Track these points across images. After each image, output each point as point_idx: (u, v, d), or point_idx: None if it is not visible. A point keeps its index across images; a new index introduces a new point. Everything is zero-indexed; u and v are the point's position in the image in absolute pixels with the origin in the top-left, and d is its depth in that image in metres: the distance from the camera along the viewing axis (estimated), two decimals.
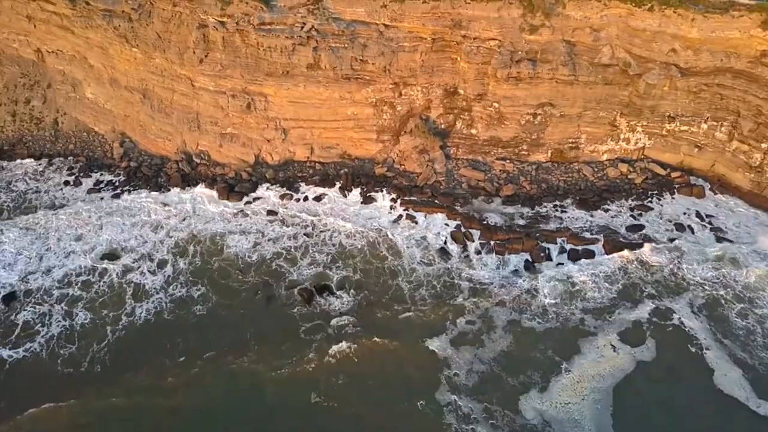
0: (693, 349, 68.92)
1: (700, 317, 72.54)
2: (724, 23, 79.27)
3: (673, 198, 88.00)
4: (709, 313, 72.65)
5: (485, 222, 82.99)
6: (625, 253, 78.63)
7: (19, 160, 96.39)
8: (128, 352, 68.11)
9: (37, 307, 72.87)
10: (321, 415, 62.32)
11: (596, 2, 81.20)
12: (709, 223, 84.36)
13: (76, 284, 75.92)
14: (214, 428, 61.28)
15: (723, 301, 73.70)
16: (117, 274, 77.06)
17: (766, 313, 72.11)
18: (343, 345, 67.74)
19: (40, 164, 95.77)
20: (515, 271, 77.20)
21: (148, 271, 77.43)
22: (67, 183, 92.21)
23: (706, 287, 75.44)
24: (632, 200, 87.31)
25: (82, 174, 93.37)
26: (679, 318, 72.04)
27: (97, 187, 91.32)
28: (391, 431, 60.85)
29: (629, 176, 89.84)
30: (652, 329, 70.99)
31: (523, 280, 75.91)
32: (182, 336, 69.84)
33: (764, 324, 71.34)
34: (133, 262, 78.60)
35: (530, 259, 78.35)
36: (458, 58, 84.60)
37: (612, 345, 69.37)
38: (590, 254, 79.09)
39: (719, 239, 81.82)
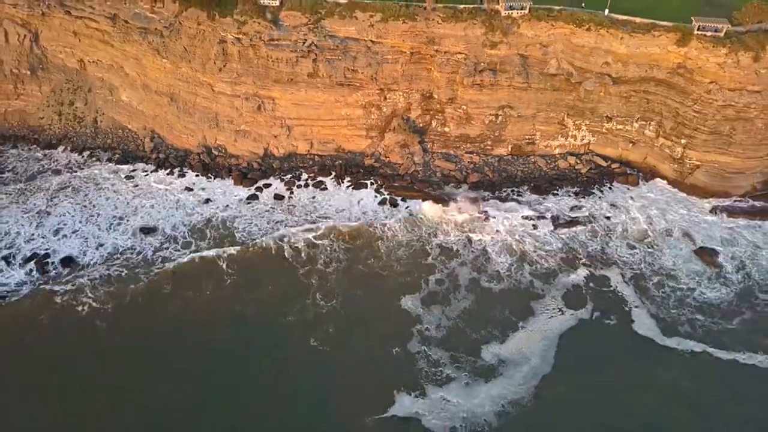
0: (618, 305, 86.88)
1: (627, 283, 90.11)
2: (646, 41, 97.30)
3: (612, 185, 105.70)
4: (635, 280, 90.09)
5: (454, 202, 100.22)
6: (567, 229, 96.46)
7: (63, 152, 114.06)
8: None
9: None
10: (319, 355, 79.84)
11: (545, 23, 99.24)
12: (640, 206, 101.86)
13: (121, 253, 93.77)
14: (238, 351, 79.14)
15: (645, 270, 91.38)
16: (152, 248, 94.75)
17: (677, 284, 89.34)
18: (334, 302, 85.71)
19: (82, 156, 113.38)
20: (481, 244, 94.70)
21: (180, 236, 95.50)
22: (107, 171, 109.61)
23: (633, 262, 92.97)
24: (578, 187, 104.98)
25: (119, 164, 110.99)
26: (611, 284, 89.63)
27: (132, 175, 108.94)
28: (372, 367, 78.12)
29: (576, 167, 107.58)
30: (588, 292, 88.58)
31: (482, 250, 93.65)
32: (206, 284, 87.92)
33: (676, 292, 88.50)
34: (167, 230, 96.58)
35: (488, 234, 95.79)
36: (432, 69, 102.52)
37: (556, 305, 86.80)
38: (539, 231, 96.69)
39: (646, 219, 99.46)
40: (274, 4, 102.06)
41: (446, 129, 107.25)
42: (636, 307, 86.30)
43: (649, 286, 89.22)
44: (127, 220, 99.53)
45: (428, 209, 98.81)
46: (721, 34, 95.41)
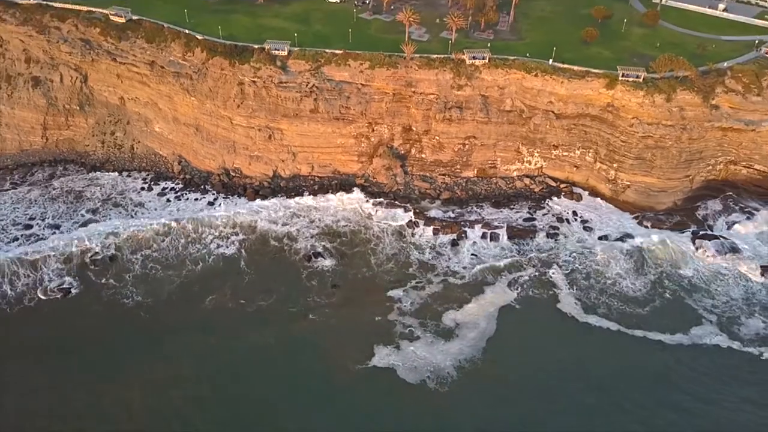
0: (551, 292, 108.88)
1: (564, 278, 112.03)
2: (582, 85, 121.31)
3: (559, 201, 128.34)
4: (568, 273, 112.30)
5: (429, 214, 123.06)
6: (518, 235, 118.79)
7: (105, 173, 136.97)
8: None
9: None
10: (321, 327, 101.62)
11: (501, 70, 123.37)
12: (581, 218, 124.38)
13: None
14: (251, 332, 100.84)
15: (576, 263, 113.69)
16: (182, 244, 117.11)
17: (602, 277, 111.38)
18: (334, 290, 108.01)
19: (121, 176, 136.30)
20: (449, 246, 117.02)
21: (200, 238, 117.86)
22: (142, 188, 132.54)
23: (570, 261, 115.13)
24: (531, 202, 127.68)
25: (152, 183, 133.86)
26: (549, 277, 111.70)
27: (163, 192, 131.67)
28: (359, 329, 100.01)
29: (531, 187, 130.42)
30: (529, 282, 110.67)
31: (448, 254, 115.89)
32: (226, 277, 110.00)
33: (601, 285, 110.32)
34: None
35: (455, 240, 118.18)
36: (411, 106, 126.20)
37: (503, 290, 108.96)
38: (496, 237, 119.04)
39: (586, 229, 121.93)
40: (282, 54, 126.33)
41: (423, 155, 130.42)
42: (564, 292, 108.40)
43: (579, 278, 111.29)
44: (159, 226, 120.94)
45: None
46: (640, 80, 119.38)
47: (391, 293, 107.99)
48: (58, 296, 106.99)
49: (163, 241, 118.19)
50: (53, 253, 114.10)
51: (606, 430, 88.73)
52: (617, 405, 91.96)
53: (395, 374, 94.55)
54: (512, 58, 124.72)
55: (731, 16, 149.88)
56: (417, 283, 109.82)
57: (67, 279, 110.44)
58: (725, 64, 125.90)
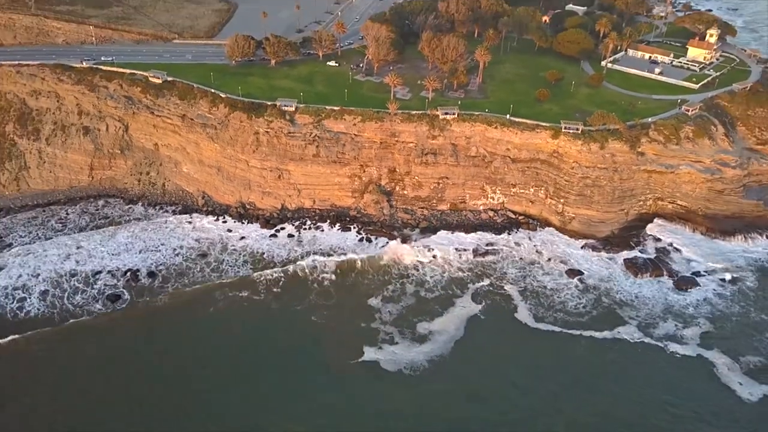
0: (504, 299, 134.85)
1: (518, 291, 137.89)
2: (533, 135, 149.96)
3: (518, 231, 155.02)
4: (518, 287, 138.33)
5: (409, 240, 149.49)
6: (482, 257, 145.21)
7: (141, 206, 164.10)
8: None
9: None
10: (315, 326, 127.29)
11: (468, 123, 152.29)
12: (535, 244, 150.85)
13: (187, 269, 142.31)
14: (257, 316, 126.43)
15: (531, 283, 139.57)
16: (207, 267, 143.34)
17: (550, 293, 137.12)
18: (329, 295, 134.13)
19: (154, 209, 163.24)
20: (426, 264, 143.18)
21: (222, 259, 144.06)
22: (172, 218, 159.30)
23: (524, 278, 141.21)
24: (494, 231, 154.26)
25: (180, 215, 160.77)
26: (506, 291, 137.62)
27: (190, 221, 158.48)
28: (351, 330, 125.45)
29: (494, 218, 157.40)
30: (490, 294, 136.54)
31: (424, 271, 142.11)
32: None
33: (548, 297, 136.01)
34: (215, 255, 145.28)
35: (431, 260, 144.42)
36: (394, 152, 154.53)
37: (469, 305, 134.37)
38: (463, 257, 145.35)
39: (537, 252, 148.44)
40: (291, 110, 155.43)
41: (405, 192, 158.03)
42: (519, 305, 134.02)
43: (531, 293, 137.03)
44: (188, 249, 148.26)
45: (394, 247, 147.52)
46: (579, 132, 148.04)
47: (372, 303, 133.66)
48: (109, 302, 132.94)
49: (192, 259, 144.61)
50: (102, 269, 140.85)
51: (544, 406, 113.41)
52: (555, 388, 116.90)
53: (379, 366, 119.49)
54: (477, 113, 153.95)
55: (664, 79, 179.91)
56: (393, 292, 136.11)
57: (113, 290, 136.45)
58: (650, 119, 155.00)
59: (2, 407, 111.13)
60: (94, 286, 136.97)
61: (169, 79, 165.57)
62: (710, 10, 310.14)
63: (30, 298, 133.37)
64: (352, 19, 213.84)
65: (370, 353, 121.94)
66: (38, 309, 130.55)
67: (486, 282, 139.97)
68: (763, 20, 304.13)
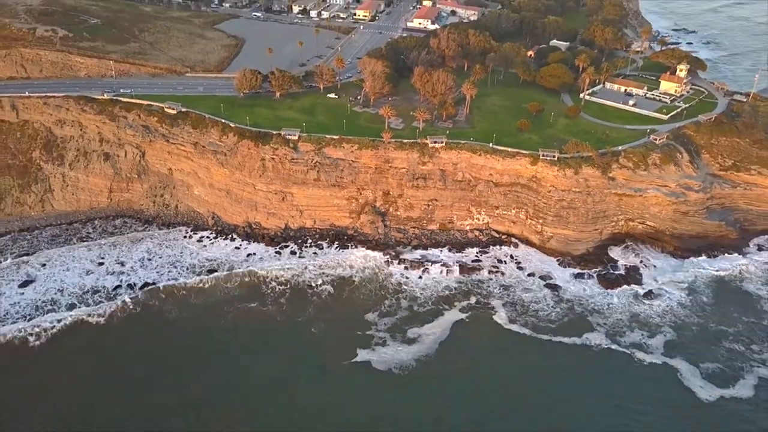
0: (486, 308, 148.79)
1: (500, 302, 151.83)
2: (513, 161, 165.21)
3: (501, 249, 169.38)
4: (499, 297, 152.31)
5: (402, 257, 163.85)
6: (468, 273, 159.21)
7: (155, 226, 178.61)
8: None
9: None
10: (315, 333, 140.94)
11: (455, 151, 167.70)
12: (516, 261, 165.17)
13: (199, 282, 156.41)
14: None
15: (510, 294, 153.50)
16: (217, 279, 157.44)
17: (529, 303, 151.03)
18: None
19: (168, 228, 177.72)
20: (416, 278, 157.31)
21: (230, 274, 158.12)
22: (184, 236, 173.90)
23: (506, 291, 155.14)
24: (479, 249, 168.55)
25: (192, 234, 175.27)
26: (489, 302, 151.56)
27: (200, 240, 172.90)
28: (346, 336, 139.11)
29: (479, 237, 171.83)
30: (474, 305, 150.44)
31: (414, 283, 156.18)
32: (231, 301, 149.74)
33: (527, 307, 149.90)
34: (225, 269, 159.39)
35: (421, 274, 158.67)
36: (388, 177, 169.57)
37: (454, 312, 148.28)
38: (451, 272, 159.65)
39: (519, 268, 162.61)
40: (294, 138, 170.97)
41: (398, 213, 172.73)
42: (499, 312, 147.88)
43: (511, 302, 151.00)
44: (201, 267, 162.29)
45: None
46: (555, 159, 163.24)
47: (368, 318, 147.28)
48: (128, 310, 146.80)
49: (203, 274, 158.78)
50: (120, 283, 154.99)
51: (517, 402, 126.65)
52: (527, 386, 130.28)
53: (371, 366, 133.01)
54: (463, 142, 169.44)
55: (637, 110, 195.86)
56: (385, 302, 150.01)
57: (131, 300, 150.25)
58: (621, 147, 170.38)
59: (33, 407, 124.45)
60: (115, 299, 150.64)
61: (183, 109, 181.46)
62: (690, 43, 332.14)
63: (58, 310, 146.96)
64: (351, 54, 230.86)
65: (362, 354, 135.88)
66: (65, 319, 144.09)
67: (470, 293, 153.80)
68: (740, 53, 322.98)
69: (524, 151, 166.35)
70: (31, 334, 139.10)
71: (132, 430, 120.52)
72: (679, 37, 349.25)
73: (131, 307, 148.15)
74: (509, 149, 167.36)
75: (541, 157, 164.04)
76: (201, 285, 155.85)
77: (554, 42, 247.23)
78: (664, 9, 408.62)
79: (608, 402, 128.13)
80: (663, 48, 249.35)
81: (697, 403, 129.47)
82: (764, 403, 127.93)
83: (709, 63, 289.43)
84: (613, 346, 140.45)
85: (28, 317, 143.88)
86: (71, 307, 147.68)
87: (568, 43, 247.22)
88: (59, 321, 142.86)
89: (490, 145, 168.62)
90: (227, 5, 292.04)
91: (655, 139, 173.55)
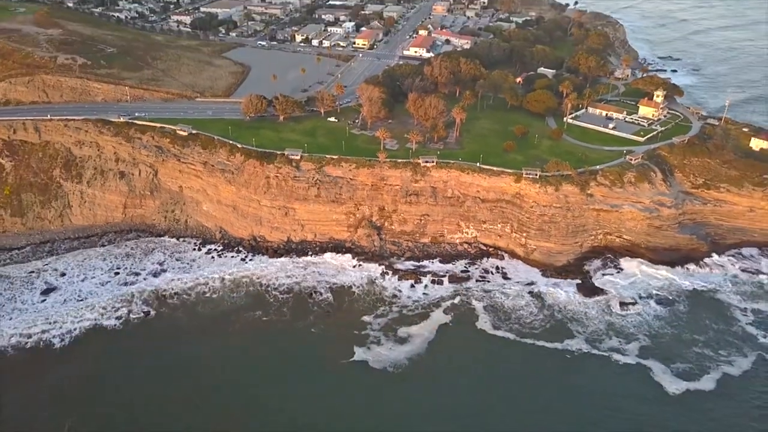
0: (472, 314, 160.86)
1: (481, 305, 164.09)
2: (498, 179, 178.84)
3: (488, 260, 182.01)
4: (487, 306, 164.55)
5: (396, 267, 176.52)
6: (457, 282, 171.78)
7: (167, 239, 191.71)
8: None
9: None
10: (315, 336, 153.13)
11: (444, 170, 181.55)
12: (502, 271, 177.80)
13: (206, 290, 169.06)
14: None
15: (495, 301, 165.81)
16: (225, 287, 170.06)
17: (513, 310, 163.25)
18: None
19: (178, 241, 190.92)
20: (409, 287, 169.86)
21: (236, 283, 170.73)
22: (194, 249, 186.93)
23: (491, 297, 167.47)
24: (468, 260, 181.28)
25: (200, 246, 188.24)
26: (474, 308, 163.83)
27: (209, 252, 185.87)
28: (344, 339, 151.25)
29: (468, 250, 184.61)
30: (461, 310, 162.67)
31: (407, 292, 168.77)
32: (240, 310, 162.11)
33: (510, 314, 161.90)
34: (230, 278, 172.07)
35: (413, 284, 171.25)
36: (383, 194, 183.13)
37: (442, 317, 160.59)
38: (441, 282, 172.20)
39: (504, 278, 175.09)
40: (296, 158, 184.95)
41: (393, 227, 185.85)
42: (484, 318, 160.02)
43: (495, 308, 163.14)
44: (209, 276, 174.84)
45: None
46: (537, 177, 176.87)
47: (364, 319, 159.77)
48: (142, 317, 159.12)
49: (211, 283, 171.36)
50: (136, 291, 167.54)
51: (499, 397, 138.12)
52: (509, 383, 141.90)
53: (367, 364, 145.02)
54: (452, 161, 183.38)
55: (617, 133, 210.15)
56: (380, 307, 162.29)
57: (145, 307, 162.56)
58: (598, 167, 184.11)
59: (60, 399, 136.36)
60: (131, 304, 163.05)
61: (194, 131, 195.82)
62: (675, 71, 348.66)
63: (76, 315, 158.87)
64: (351, 80, 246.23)
65: (359, 353, 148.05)
66: (87, 323, 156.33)
67: (458, 300, 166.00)
68: (720, 80, 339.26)
69: (508, 170, 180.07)
70: (54, 337, 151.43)
71: (145, 422, 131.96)
72: (664, 64, 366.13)
73: (144, 312, 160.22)
74: (495, 168, 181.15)
75: (524, 175, 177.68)
76: (210, 291, 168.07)
77: (541, 69, 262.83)
78: (650, 37, 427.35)
79: (573, 395, 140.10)
80: (643, 75, 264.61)
81: (664, 394, 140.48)
82: (725, 395, 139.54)
83: (691, 89, 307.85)
84: (593, 351, 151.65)
85: (51, 322, 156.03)
86: (90, 311, 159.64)
87: (554, 70, 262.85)
88: (79, 325, 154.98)
89: (477, 164, 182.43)
90: (234, 35, 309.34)
91: (631, 159, 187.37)
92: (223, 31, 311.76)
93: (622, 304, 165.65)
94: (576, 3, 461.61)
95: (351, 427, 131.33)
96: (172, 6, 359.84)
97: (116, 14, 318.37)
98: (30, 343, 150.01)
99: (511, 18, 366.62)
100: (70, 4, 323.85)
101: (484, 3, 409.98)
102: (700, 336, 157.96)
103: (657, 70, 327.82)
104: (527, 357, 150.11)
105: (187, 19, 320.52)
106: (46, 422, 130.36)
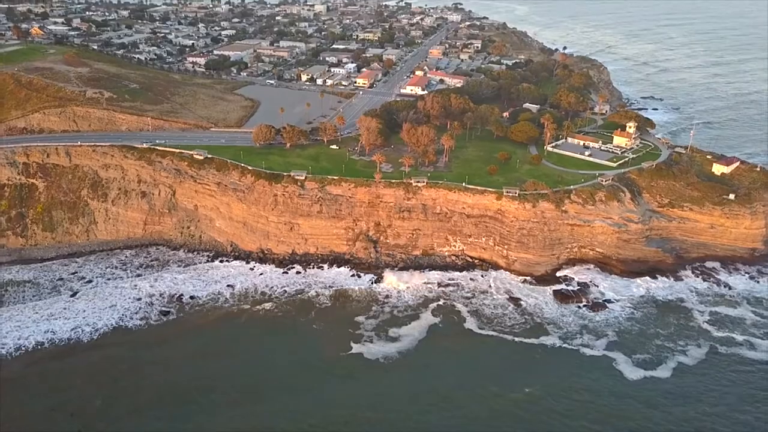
0: (458, 317, 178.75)
1: (467, 308, 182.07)
2: (481, 197, 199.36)
3: (473, 270, 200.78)
4: (470, 308, 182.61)
5: (389, 276, 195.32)
6: (445, 287, 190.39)
7: (182, 252, 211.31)
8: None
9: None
10: (315, 330, 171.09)
11: (434, 189, 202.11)
12: (487, 278, 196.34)
13: (217, 296, 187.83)
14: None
15: (480, 306, 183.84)
16: (234, 294, 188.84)
17: (495, 313, 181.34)
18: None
19: (193, 254, 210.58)
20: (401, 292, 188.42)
21: (245, 290, 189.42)
22: (206, 260, 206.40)
23: (475, 301, 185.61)
24: (455, 270, 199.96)
25: (213, 258, 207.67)
26: (459, 310, 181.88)
27: (221, 262, 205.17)
28: (338, 338, 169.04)
29: (456, 261, 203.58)
30: (448, 312, 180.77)
31: (402, 295, 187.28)
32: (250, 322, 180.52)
33: (492, 317, 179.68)
34: (241, 286, 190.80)
35: (405, 290, 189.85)
36: (379, 210, 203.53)
37: (431, 319, 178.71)
38: (432, 288, 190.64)
39: (488, 286, 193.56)
40: (301, 178, 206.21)
41: (388, 240, 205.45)
42: (468, 319, 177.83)
43: (478, 311, 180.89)
44: (221, 283, 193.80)
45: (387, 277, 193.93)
46: (516, 195, 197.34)
47: (358, 319, 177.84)
48: (162, 316, 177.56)
49: (223, 289, 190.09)
50: (155, 294, 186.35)
51: (480, 387, 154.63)
52: (490, 374, 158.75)
53: (362, 356, 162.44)
54: (440, 182, 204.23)
55: (592, 159, 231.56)
56: (375, 311, 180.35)
57: (165, 309, 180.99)
58: (572, 187, 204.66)
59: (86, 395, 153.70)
60: (151, 306, 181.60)
61: (209, 156, 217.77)
62: (656, 109, 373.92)
63: (102, 318, 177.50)
64: (351, 114, 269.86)
65: (355, 348, 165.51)
66: (112, 324, 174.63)
67: (445, 304, 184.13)
68: (696, 116, 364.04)
69: (491, 189, 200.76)
70: (83, 333, 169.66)
71: (159, 410, 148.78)
72: (646, 103, 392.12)
73: (164, 313, 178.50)
74: (478, 187, 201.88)
75: (504, 194, 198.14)
76: (221, 297, 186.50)
77: (526, 105, 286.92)
78: (632, 78, 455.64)
79: (553, 382, 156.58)
80: (619, 110, 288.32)
81: (623, 380, 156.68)
82: (678, 381, 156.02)
83: (667, 124, 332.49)
84: (564, 345, 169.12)
85: (81, 322, 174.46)
86: (113, 313, 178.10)
87: (538, 105, 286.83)
88: (105, 326, 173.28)
89: (463, 184, 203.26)
90: (244, 74, 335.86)
91: (601, 181, 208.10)
92: (235, 71, 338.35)
93: (593, 308, 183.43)
94: (565, 48, 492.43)
95: (352, 411, 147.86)
96: (187, 49, 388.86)
97: (137, 56, 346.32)
98: (61, 341, 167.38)
99: (501, 61, 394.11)
100: (95, 47, 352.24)
101: (477, 47, 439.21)
102: (662, 331, 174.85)
103: (639, 109, 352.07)
104: (506, 352, 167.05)
105: (202, 61, 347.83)
106: (76, 401, 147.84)
